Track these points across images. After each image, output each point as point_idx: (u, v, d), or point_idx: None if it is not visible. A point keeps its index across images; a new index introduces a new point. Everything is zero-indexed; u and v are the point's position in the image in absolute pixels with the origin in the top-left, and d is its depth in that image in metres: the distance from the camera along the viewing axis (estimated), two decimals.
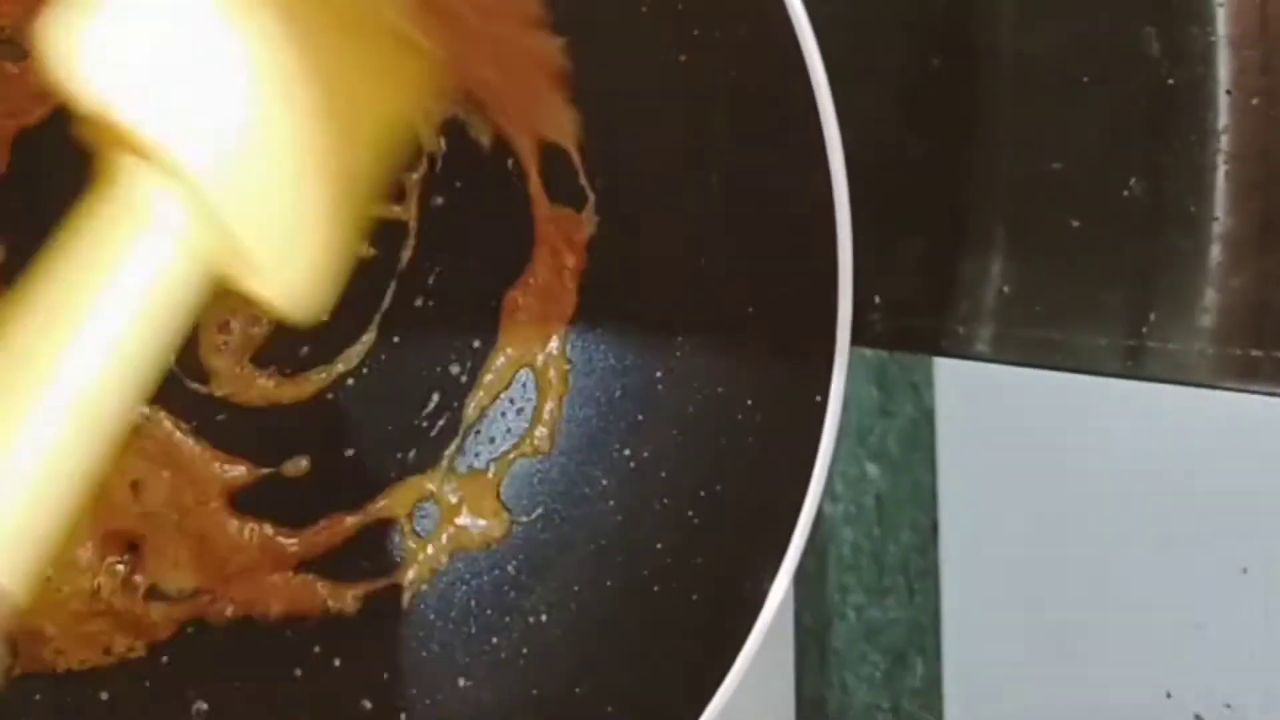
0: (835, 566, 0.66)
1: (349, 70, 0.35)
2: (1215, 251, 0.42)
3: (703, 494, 0.43)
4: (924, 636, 0.68)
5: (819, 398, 0.39)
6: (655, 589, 0.43)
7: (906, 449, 0.68)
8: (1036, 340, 0.47)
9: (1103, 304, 0.45)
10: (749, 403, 0.43)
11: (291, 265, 0.33)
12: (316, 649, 0.46)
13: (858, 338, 0.41)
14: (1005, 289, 0.47)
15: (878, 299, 0.50)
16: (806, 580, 0.64)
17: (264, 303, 0.33)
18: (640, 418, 0.46)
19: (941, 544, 0.68)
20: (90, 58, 0.30)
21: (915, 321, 0.51)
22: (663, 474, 0.45)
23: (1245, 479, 0.54)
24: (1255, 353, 0.41)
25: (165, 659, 0.44)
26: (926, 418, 0.69)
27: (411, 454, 0.48)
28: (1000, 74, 0.47)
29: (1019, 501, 0.65)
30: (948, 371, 0.68)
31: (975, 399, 0.68)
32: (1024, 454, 0.65)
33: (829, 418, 0.39)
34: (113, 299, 0.31)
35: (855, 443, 0.67)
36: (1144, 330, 0.43)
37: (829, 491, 0.63)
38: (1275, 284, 0.41)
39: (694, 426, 0.45)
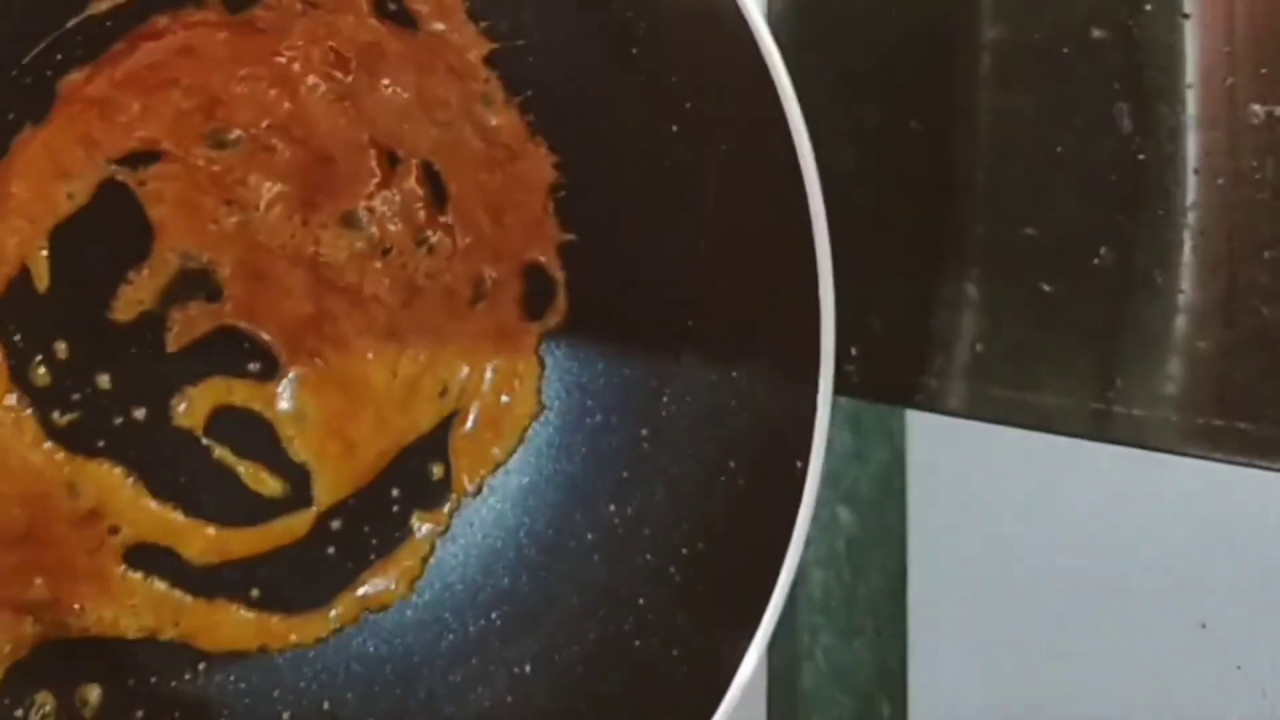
0: (806, 608, 0.67)
1: None
2: (1180, 322, 0.43)
3: (685, 552, 0.44)
4: (891, 679, 0.69)
5: (799, 464, 0.40)
6: (637, 643, 0.44)
7: (878, 494, 0.69)
8: (1007, 399, 0.48)
9: (1071, 367, 0.46)
10: (731, 465, 0.44)
11: None
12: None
13: (834, 388, 0.42)
14: (978, 347, 0.48)
15: (854, 351, 0.51)
16: (778, 621, 0.65)
17: None
18: (625, 475, 0.47)
19: (910, 588, 0.69)
20: None
21: (891, 375, 0.52)
22: (646, 531, 0.46)
23: (1205, 537, 0.55)
24: (1218, 422, 0.42)
25: None
26: (898, 463, 0.70)
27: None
28: (977, 140, 0.48)
29: (986, 548, 0.66)
30: (920, 419, 0.69)
31: (946, 446, 0.69)
32: (992, 502, 0.66)
33: (808, 484, 0.40)
34: None
35: (829, 487, 0.68)
36: (1110, 395, 0.44)
37: None
38: (1238, 357, 0.42)
39: (677, 486, 0.46)
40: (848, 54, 0.54)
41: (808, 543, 0.60)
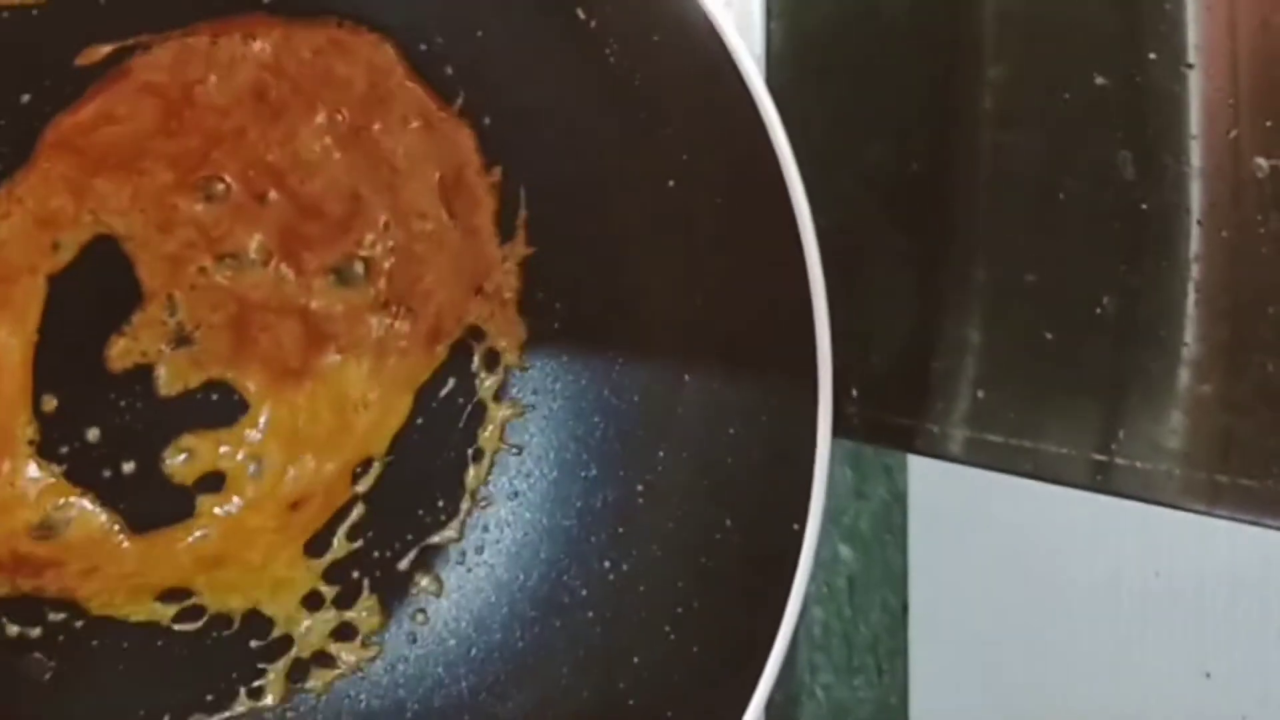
0: (805, 645, 0.67)
1: None
2: (1183, 375, 0.42)
3: (680, 610, 0.44)
4: (891, 717, 0.68)
5: (796, 526, 0.40)
6: (631, 702, 0.44)
7: (878, 531, 0.69)
8: (1008, 447, 0.47)
9: (1073, 417, 0.45)
10: (728, 523, 0.43)
11: None
12: None
13: (834, 431, 0.42)
14: (980, 394, 0.48)
15: (855, 393, 0.51)
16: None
17: None
18: (621, 530, 0.47)
19: (911, 626, 0.69)
20: None
21: (891, 419, 0.51)
22: (641, 588, 0.45)
23: (1210, 586, 0.55)
24: (1221, 478, 0.42)
25: None
26: (899, 500, 0.69)
27: None
28: (979, 183, 0.48)
29: (988, 586, 0.66)
30: (920, 458, 0.69)
31: (947, 484, 0.69)
32: (993, 541, 0.66)
33: (806, 545, 0.40)
34: None
35: (829, 523, 0.68)
36: (1113, 446, 0.44)
37: None
38: (1242, 412, 0.41)
39: (673, 543, 0.45)
40: (848, 92, 0.53)
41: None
